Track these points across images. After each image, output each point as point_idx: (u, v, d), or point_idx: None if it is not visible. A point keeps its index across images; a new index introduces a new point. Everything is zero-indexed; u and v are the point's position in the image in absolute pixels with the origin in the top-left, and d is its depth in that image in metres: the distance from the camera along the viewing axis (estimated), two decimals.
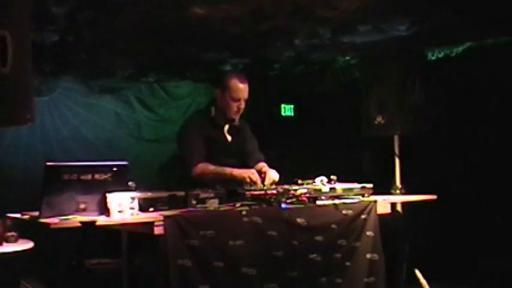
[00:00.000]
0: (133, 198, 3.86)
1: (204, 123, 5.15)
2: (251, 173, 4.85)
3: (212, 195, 4.25)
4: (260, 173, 5.02)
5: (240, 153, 5.26)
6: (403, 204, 5.77)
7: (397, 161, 6.20)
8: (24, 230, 4.83)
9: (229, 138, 5.21)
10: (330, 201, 4.67)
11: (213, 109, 5.18)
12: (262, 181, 4.89)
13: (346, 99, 7.23)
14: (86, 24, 5.58)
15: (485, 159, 6.73)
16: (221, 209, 4.22)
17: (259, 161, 5.29)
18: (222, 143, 5.16)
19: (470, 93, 6.85)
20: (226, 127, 5.19)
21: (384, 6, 5.38)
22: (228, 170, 4.93)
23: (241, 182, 4.81)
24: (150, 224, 3.82)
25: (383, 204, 4.96)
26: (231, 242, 4.07)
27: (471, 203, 6.73)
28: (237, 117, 5.18)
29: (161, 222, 3.82)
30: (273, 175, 4.95)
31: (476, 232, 6.69)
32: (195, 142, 5.05)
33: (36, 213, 3.76)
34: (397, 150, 6.22)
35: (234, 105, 5.06)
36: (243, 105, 5.10)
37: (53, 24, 5.46)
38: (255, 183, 4.79)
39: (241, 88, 5.07)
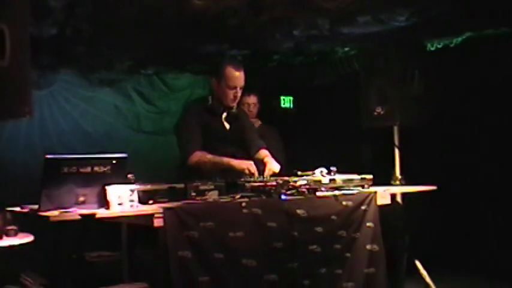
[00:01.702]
0: (132, 191, 3.86)
1: (202, 111, 5.16)
2: (250, 165, 4.85)
3: (212, 187, 4.25)
4: (261, 163, 5.03)
5: (240, 141, 5.25)
6: (403, 195, 5.77)
7: (396, 152, 6.19)
8: (24, 223, 4.84)
9: (227, 125, 5.22)
10: (329, 193, 4.68)
11: (210, 98, 5.19)
12: (262, 172, 4.90)
13: (346, 91, 7.22)
14: (84, 17, 5.57)
15: (485, 149, 6.73)
16: (221, 200, 4.22)
17: (261, 147, 5.29)
18: (220, 131, 5.17)
19: (470, 83, 6.85)
20: (224, 115, 5.19)
21: None
22: (226, 159, 4.93)
23: (239, 172, 4.82)
24: (150, 216, 3.82)
25: (383, 195, 4.96)
26: (230, 234, 4.07)
27: (471, 194, 6.75)
28: (233, 105, 5.19)
29: (161, 214, 3.82)
30: (273, 166, 4.95)
31: (476, 223, 6.71)
32: (192, 130, 5.06)
33: (36, 207, 3.76)
34: (396, 141, 6.21)
35: (230, 93, 5.08)
36: (239, 93, 5.11)
37: (51, 17, 5.44)
38: (253, 174, 4.80)
39: (237, 76, 5.07)
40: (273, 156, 5.20)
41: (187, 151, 5.02)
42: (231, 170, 4.88)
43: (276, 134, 6.89)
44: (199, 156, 4.97)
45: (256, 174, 4.83)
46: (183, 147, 5.11)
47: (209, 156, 4.95)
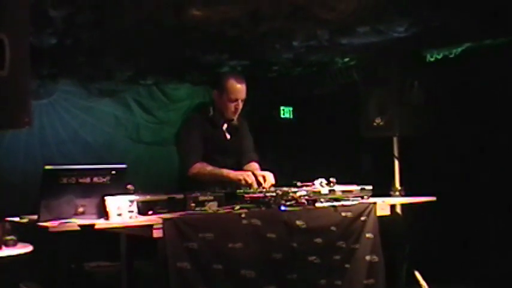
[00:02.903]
0: (132, 201, 3.85)
1: (203, 122, 5.15)
2: (246, 176, 4.86)
3: (211, 197, 4.24)
4: (255, 175, 5.04)
5: (240, 152, 5.25)
6: (403, 205, 5.76)
7: (396, 162, 6.20)
8: (23, 233, 4.82)
9: (228, 136, 5.21)
10: (329, 203, 4.67)
11: (211, 109, 5.18)
12: (259, 183, 4.89)
13: (345, 101, 7.23)
14: (84, 27, 5.58)
15: (485, 160, 6.72)
16: (220, 211, 4.21)
17: (252, 160, 5.30)
18: (221, 142, 5.16)
19: (469, 94, 6.84)
20: (225, 126, 5.18)
21: (382, 8, 5.38)
22: (225, 172, 4.94)
23: (236, 184, 4.83)
24: (149, 227, 3.81)
25: (382, 206, 4.95)
26: (230, 245, 4.06)
27: (470, 205, 6.73)
28: (235, 117, 5.18)
29: (160, 225, 3.81)
30: (271, 178, 4.95)
31: (475, 233, 6.69)
32: (193, 141, 5.05)
33: (35, 217, 3.76)
34: (396, 152, 6.21)
35: (232, 106, 5.07)
36: (240, 106, 5.10)
37: (51, 27, 5.45)
38: (250, 185, 4.80)
39: (239, 89, 5.06)
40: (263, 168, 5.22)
41: (187, 162, 5.02)
42: (229, 181, 4.89)
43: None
44: (199, 168, 4.97)
45: (255, 185, 4.83)
46: (183, 158, 5.13)
47: (209, 169, 4.96)
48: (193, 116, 5.42)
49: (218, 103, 5.13)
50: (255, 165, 5.26)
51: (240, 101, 5.08)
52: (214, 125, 5.17)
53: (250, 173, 4.93)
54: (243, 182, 4.82)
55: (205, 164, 4.98)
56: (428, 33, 6.06)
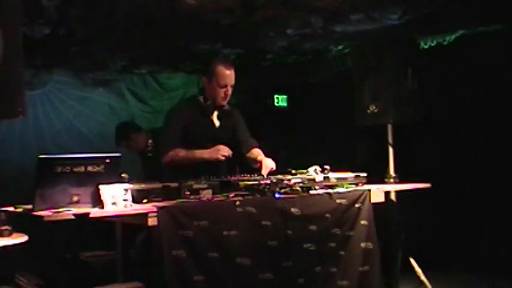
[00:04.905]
0: (126, 190, 3.85)
1: (192, 110, 5.14)
2: (219, 151, 4.88)
3: (206, 185, 4.25)
4: (254, 161, 5.04)
5: (230, 139, 5.23)
6: (397, 192, 5.77)
7: (390, 149, 6.20)
8: (17, 223, 4.83)
9: (217, 123, 5.20)
10: (323, 191, 4.68)
11: (200, 97, 5.17)
12: (259, 170, 4.90)
13: (340, 89, 7.23)
14: (77, 17, 5.56)
15: (479, 147, 6.74)
16: (215, 199, 4.22)
17: (254, 147, 5.28)
18: (209, 130, 5.15)
19: (463, 81, 6.85)
20: (216, 113, 5.18)
21: None
22: (198, 153, 4.94)
23: (216, 162, 4.88)
24: (144, 216, 3.82)
25: (377, 193, 4.96)
26: (225, 232, 4.08)
27: (465, 191, 6.75)
28: (224, 103, 5.17)
29: (155, 214, 3.82)
30: (269, 163, 4.95)
31: (470, 220, 6.72)
32: (172, 133, 5.06)
33: (30, 207, 3.76)
34: (390, 139, 6.22)
35: (221, 92, 5.06)
36: (230, 91, 5.09)
37: (44, 17, 5.44)
38: (228, 156, 4.85)
39: (228, 74, 5.06)
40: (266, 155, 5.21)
41: (162, 152, 5.05)
42: (207, 161, 4.91)
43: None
44: (172, 156, 4.96)
45: (230, 153, 4.87)
46: (160, 148, 5.18)
47: (181, 154, 4.95)
48: (181, 105, 5.45)
49: (208, 90, 5.12)
50: (258, 151, 5.24)
51: (229, 86, 5.07)
52: (203, 113, 5.16)
53: (222, 146, 4.93)
54: (222, 158, 4.86)
55: (178, 150, 4.96)
56: (422, 21, 6.06)
